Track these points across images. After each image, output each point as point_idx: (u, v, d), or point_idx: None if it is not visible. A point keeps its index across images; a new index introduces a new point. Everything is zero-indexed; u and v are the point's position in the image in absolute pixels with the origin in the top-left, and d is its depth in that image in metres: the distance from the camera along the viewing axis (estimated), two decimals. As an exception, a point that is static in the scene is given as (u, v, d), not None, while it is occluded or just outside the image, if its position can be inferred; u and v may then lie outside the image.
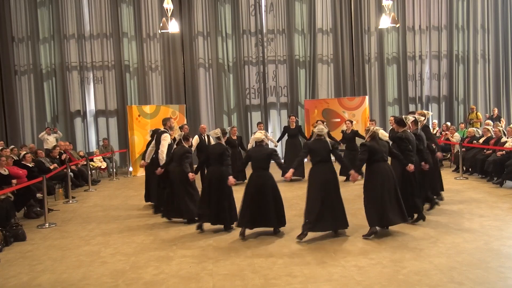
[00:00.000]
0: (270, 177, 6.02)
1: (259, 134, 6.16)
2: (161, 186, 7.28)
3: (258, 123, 11.03)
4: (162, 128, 7.79)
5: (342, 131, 10.52)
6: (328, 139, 5.94)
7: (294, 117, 10.81)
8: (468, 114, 14.38)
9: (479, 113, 14.09)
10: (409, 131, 6.46)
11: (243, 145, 10.86)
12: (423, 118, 6.92)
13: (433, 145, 7.42)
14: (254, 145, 6.26)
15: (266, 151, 6.04)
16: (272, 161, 6.06)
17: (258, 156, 6.02)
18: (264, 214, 5.92)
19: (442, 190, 7.73)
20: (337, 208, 5.82)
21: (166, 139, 7.43)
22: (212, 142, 9.77)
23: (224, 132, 6.54)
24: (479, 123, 13.63)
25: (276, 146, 10.94)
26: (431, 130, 13.06)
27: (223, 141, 6.45)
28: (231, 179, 6.08)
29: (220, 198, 6.22)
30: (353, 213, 6.79)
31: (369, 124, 10.54)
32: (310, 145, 5.97)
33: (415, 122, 6.70)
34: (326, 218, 5.72)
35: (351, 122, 10.56)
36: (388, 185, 5.76)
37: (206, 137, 10.23)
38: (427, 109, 15.55)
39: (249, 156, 6.14)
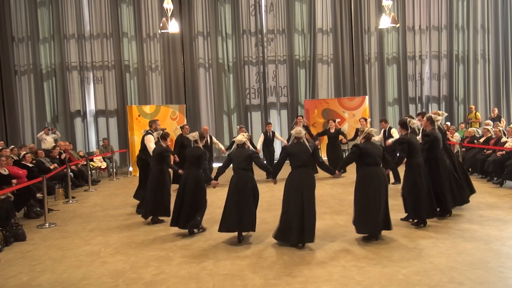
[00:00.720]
0: (251, 179, 5.90)
1: (240, 137, 6.07)
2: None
3: (240, 127, 10.35)
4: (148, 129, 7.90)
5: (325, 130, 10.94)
6: (307, 142, 5.69)
7: (333, 122, 10.91)
8: (468, 114, 14.38)
9: (478, 113, 14.09)
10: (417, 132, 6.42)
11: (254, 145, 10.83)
12: (439, 117, 6.71)
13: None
14: (235, 148, 6.13)
15: (247, 152, 5.95)
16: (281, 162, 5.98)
17: (238, 158, 5.92)
18: (242, 215, 5.74)
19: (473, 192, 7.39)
20: (305, 219, 5.42)
21: (148, 141, 7.55)
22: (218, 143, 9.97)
23: (202, 136, 6.55)
24: (478, 123, 13.63)
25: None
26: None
27: (200, 145, 6.46)
28: (214, 182, 6.11)
29: (195, 201, 6.18)
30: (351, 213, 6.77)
31: (361, 123, 10.25)
32: (289, 148, 5.67)
33: (431, 121, 6.52)
34: (293, 227, 5.43)
35: (334, 121, 10.96)
36: (380, 190, 5.52)
37: (209, 138, 10.22)
38: (427, 109, 15.57)
39: (230, 159, 6.08)
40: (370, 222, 5.51)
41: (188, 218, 6.19)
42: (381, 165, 5.72)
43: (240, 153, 5.98)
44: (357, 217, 5.65)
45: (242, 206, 5.72)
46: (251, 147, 6.31)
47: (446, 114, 7.27)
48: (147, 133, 7.78)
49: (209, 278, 4.60)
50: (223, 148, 10.28)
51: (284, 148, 5.86)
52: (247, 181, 5.84)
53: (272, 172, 6.13)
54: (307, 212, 5.40)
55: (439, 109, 15.55)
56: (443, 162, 6.50)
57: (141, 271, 4.90)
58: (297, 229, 5.38)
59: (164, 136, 6.97)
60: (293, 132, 5.74)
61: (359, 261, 4.88)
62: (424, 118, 6.77)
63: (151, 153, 7.34)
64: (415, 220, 6.24)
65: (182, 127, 10.23)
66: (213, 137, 10.48)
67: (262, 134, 10.93)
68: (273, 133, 11.01)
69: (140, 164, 7.91)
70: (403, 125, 6.31)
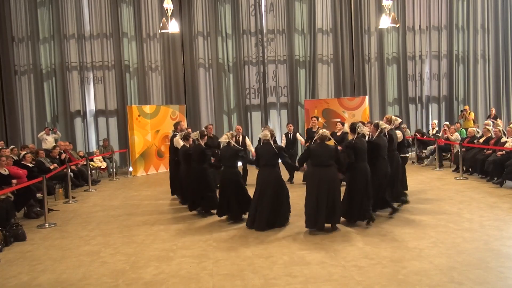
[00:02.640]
0: (236, 174, 6.78)
1: (225, 137, 6.86)
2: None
3: (206, 127, 10.75)
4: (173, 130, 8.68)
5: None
6: (273, 143, 6.35)
7: (315, 119, 10.77)
8: (461, 112, 14.32)
9: (472, 113, 14.05)
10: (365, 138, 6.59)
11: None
12: (386, 125, 6.89)
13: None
14: (223, 146, 6.96)
15: (233, 150, 6.77)
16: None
17: (225, 156, 6.78)
18: (229, 206, 6.75)
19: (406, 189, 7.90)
20: (272, 210, 6.27)
21: (177, 142, 8.18)
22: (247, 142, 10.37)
23: (202, 134, 7.31)
24: (471, 122, 13.61)
25: (304, 144, 10.96)
26: (430, 130, 13.20)
27: (202, 142, 7.29)
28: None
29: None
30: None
31: (312, 122, 10.50)
32: (258, 149, 6.49)
33: (376, 127, 6.70)
34: (261, 218, 6.26)
35: (342, 124, 10.83)
36: (320, 190, 5.94)
37: (240, 138, 10.23)
38: (427, 109, 15.60)
39: (220, 156, 6.94)
40: (309, 218, 6.00)
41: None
42: (331, 166, 6.02)
43: (226, 151, 6.79)
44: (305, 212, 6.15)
45: (227, 199, 6.66)
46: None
47: (400, 120, 7.58)
48: (174, 134, 8.55)
49: (209, 278, 4.60)
50: (253, 151, 10.16)
51: (255, 149, 6.82)
52: (232, 176, 6.74)
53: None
54: (260, 202, 6.23)
55: (439, 109, 15.59)
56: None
57: (141, 271, 4.90)
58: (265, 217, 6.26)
59: (186, 136, 7.58)
60: (260, 135, 6.50)
61: (359, 261, 4.88)
62: (372, 125, 7.04)
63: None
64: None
65: (206, 127, 10.46)
66: (246, 138, 10.28)
67: (284, 135, 10.73)
68: (295, 133, 10.75)
69: (174, 164, 8.62)
70: (352, 129, 6.55)
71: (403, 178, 7.77)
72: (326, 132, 6.08)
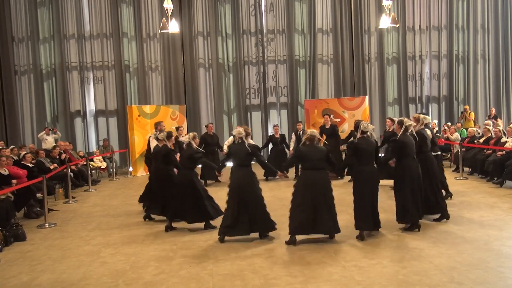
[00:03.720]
0: (193, 176, 6.43)
1: (186, 137, 6.59)
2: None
3: (206, 126, 11.05)
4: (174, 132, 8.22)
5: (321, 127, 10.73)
6: (247, 143, 5.86)
7: (328, 116, 10.74)
8: (461, 113, 14.33)
9: (472, 113, 14.05)
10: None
11: (286, 143, 11.00)
12: (411, 122, 6.33)
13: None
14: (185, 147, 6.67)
15: (191, 151, 6.43)
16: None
17: (184, 156, 6.53)
18: (184, 209, 6.39)
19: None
20: (255, 213, 5.74)
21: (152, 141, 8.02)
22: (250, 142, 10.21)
23: (169, 135, 6.83)
24: (472, 122, 13.62)
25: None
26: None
27: (169, 144, 6.91)
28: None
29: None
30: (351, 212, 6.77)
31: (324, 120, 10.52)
32: (231, 148, 6.05)
33: (400, 125, 6.15)
34: (242, 222, 5.71)
35: (329, 115, 10.84)
36: (312, 195, 5.47)
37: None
38: (427, 109, 15.59)
39: (180, 157, 6.76)
40: (296, 224, 5.52)
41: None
42: (323, 169, 5.59)
43: (186, 152, 6.52)
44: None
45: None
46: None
47: (429, 119, 6.98)
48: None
49: (209, 278, 4.60)
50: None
51: (228, 148, 6.36)
52: (190, 177, 6.41)
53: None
54: (251, 205, 5.73)
55: (439, 109, 15.59)
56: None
57: (141, 271, 4.90)
58: (247, 221, 5.75)
59: (169, 135, 7.17)
60: (234, 132, 6.09)
61: (359, 261, 4.88)
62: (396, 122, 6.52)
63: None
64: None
65: (206, 126, 10.94)
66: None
67: (294, 133, 10.88)
68: (304, 132, 10.83)
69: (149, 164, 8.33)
70: (355, 127, 6.19)
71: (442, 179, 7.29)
72: (314, 132, 5.66)
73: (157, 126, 8.47)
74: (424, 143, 6.33)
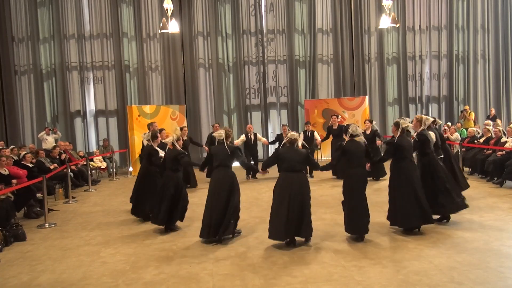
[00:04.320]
0: (177, 178, 6.42)
1: (170, 138, 6.53)
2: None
3: (213, 125, 11.26)
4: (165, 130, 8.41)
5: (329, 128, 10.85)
6: (226, 145, 5.94)
7: (335, 117, 10.85)
8: (461, 112, 14.32)
9: (472, 113, 14.05)
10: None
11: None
12: (408, 124, 6.22)
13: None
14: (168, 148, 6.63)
15: (175, 153, 6.41)
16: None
17: (169, 158, 6.48)
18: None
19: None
20: (225, 216, 5.70)
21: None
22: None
23: (178, 138, 6.61)
24: (472, 122, 13.61)
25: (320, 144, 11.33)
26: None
27: (154, 144, 6.97)
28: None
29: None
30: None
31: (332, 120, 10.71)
32: (212, 149, 6.14)
33: (396, 126, 6.08)
34: (215, 225, 5.71)
35: (337, 116, 11.01)
36: (286, 196, 5.46)
37: (252, 136, 10.54)
38: (427, 109, 15.60)
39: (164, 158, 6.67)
40: (272, 230, 5.49)
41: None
42: (300, 171, 5.61)
43: (170, 153, 6.45)
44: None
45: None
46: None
47: (431, 120, 6.66)
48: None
49: (209, 278, 4.60)
50: (264, 139, 11.45)
51: (210, 149, 6.47)
52: (173, 180, 6.38)
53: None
54: (223, 208, 5.72)
55: (439, 109, 15.59)
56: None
57: (141, 271, 4.90)
58: (219, 224, 5.72)
59: (154, 136, 7.19)
60: (215, 134, 6.15)
61: (359, 261, 4.88)
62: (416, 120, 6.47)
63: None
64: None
65: (213, 126, 11.18)
66: (258, 135, 11.20)
67: (302, 132, 11.07)
68: (312, 132, 10.96)
69: None
70: (344, 130, 6.17)
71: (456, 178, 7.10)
72: (295, 135, 5.71)
73: (150, 126, 8.52)
74: (426, 145, 6.22)
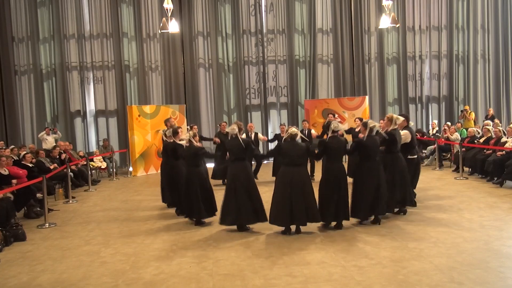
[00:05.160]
0: (198, 173, 6.71)
1: (185, 135, 6.97)
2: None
3: (191, 126, 10.94)
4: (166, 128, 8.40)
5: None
6: (195, 145, 6.57)
7: (332, 115, 10.68)
8: (461, 112, 14.32)
9: (472, 113, 14.05)
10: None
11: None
12: (375, 124, 6.50)
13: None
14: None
15: (194, 149, 6.73)
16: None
17: (188, 155, 6.82)
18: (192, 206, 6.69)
19: None
20: (248, 204, 6.19)
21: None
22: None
23: (194, 134, 6.88)
24: (472, 122, 13.61)
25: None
26: (431, 130, 13.23)
27: (195, 142, 6.97)
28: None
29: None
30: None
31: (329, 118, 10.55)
32: (226, 144, 6.50)
33: (365, 126, 6.41)
34: (240, 211, 6.16)
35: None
36: (289, 189, 5.85)
37: (253, 135, 10.59)
38: (427, 109, 15.61)
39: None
40: (274, 214, 5.97)
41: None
42: (301, 165, 5.97)
43: (188, 150, 6.76)
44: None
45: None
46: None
47: (402, 119, 6.96)
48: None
49: (209, 278, 4.60)
50: (263, 136, 11.34)
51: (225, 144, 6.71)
52: (198, 173, 6.70)
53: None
54: (234, 198, 6.14)
55: (439, 109, 15.60)
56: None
57: (141, 271, 4.90)
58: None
59: (175, 132, 7.47)
60: (228, 129, 6.49)
61: (359, 261, 4.88)
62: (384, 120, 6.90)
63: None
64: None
65: (219, 124, 11.15)
66: (259, 134, 11.08)
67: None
68: (309, 130, 11.01)
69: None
70: (326, 127, 6.58)
71: (412, 181, 7.27)
72: (295, 130, 5.99)
73: (167, 122, 8.69)
74: (393, 144, 6.57)
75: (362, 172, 6.26)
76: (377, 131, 6.37)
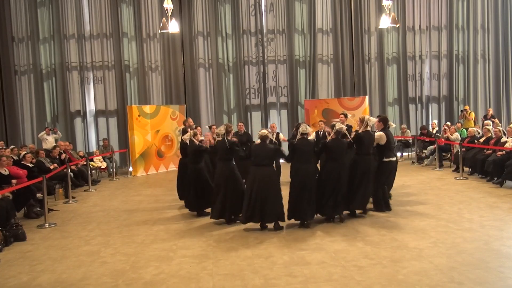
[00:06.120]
0: (196, 170, 7.20)
1: (186, 135, 7.40)
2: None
3: (210, 127, 11.13)
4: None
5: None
6: (226, 139, 6.57)
7: (343, 116, 10.47)
8: (461, 112, 14.31)
9: (472, 113, 14.04)
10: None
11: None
12: (341, 125, 6.67)
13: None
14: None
15: (193, 148, 7.22)
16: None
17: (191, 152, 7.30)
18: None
19: None
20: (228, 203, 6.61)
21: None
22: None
23: (194, 134, 7.39)
24: (472, 122, 13.60)
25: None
26: (430, 130, 13.21)
27: (195, 141, 7.36)
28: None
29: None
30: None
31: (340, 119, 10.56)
32: (216, 145, 6.83)
33: (332, 128, 6.62)
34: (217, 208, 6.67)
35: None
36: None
37: (275, 135, 10.45)
38: (427, 109, 15.60)
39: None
40: (244, 213, 6.27)
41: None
42: (268, 165, 6.25)
43: (191, 147, 7.23)
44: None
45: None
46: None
47: (374, 120, 7.03)
48: (184, 131, 8.64)
49: (209, 278, 4.60)
50: (283, 136, 11.03)
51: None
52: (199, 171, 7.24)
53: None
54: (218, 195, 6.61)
55: (439, 109, 15.59)
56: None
57: (141, 271, 4.90)
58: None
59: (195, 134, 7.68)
60: (217, 130, 6.81)
61: (359, 261, 4.88)
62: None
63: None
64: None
65: (237, 125, 11.09)
66: (280, 134, 10.74)
67: (315, 132, 10.95)
68: (278, 134, 10.93)
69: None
70: (296, 128, 6.62)
71: (385, 183, 7.19)
72: (265, 132, 6.26)
73: (185, 122, 9.00)
74: (360, 145, 6.72)
75: (322, 172, 6.58)
76: (343, 134, 6.55)
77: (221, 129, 6.60)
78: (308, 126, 6.48)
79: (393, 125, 7.50)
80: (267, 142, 6.27)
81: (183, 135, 7.69)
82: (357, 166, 6.71)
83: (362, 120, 6.70)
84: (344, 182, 6.48)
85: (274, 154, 6.29)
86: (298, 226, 6.32)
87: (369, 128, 6.90)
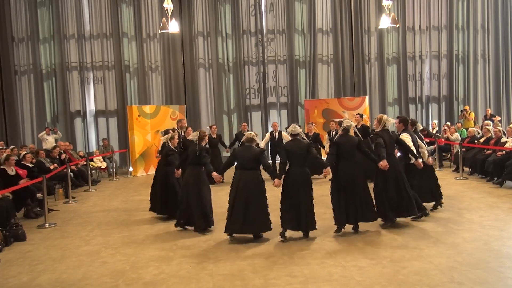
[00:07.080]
0: (167, 172, 7.09)
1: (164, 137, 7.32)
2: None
3: (210, 127, 11.22)
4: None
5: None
6: (198, 145, 6.38)
7: (359, 116, 10.30)
8: (461, 112, 14.31)
9: (472, 113, 14.03)
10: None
11: (223, 143, 11.59)
12: (351, 123, 6.25)
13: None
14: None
15: (165, 150, 7.16)
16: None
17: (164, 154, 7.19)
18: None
19: None
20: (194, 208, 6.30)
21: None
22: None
23: (172, 137, 7.25)
24: (472, 122, 13.60)
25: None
26: (431, 130, 13.20)
27: (171, 145, 7.20)
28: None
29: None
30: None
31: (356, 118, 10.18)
32: (188, 149, 6.71)
33: (339, 125, 6.35)
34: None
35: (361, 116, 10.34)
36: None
37: (277, 133, 10.51)
38: (427, 109, 15.60)
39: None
40: (228, 223, 5.84)
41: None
42: (253, 169, 5.82)
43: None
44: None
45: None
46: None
47: (392, 121, 6.49)
48: (179, 133, 8.67)
49: (209, 278, 4.60)
50: (285, 134, 10.93)
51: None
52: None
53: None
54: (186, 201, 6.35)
55: (439, 109, 15.59)
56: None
57: (141, 271, 4.90)
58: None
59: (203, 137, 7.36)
60: (191, 136, 6.73)
61: (359, 261, 4.88)
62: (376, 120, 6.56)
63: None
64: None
65: (210, 127, 11.18)
66: (283, 132, 10.73)
67: (327, 133, 11.07)
68: (280, 132, 10.94)
69: None
70: (339, 123, 6.40)
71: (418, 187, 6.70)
72: (251, 133, 5.96)
73: (178, 123, 8.99)
74: (375, 145, 6.21)
75: (335, 174, 6.06)
76: (348, 131, 6.07)
77: (194, 135, 6.49)
78: (299, 126, 6.04)
79: (420, 126, 7.14)
80: (254, 145, 5.89)
81: (163, 135, 7.60)
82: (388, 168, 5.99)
83: (379, 120, 6.26)
84: (361, 182, 5.94)
85: (259, 157, 5.78)
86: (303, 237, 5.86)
87: (387, 128, 6.38)
